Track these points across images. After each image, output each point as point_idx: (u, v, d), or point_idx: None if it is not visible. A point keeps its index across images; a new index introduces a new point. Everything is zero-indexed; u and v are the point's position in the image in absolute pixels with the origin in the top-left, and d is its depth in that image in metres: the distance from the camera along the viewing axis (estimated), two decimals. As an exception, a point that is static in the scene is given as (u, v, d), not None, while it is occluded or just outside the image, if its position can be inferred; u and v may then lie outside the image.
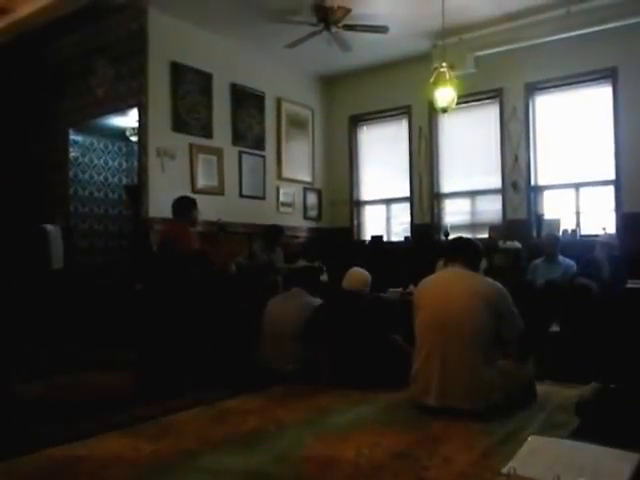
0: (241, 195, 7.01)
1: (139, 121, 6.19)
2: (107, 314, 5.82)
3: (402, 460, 2.56)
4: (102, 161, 7.95)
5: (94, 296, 6.20)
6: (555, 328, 4.44)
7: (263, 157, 7.38)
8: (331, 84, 8.38)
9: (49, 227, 6.31)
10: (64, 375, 4.49)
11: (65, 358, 5.02)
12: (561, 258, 5.61)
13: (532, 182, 6.79)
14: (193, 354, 4.33)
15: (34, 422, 3.23)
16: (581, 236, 6.29)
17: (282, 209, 7.61)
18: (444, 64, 5.96)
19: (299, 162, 7.95)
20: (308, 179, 8.11)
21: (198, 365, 4.26)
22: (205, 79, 6.60)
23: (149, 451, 2.72)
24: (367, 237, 8.01)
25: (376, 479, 2.40)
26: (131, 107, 6.37)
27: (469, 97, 6.86)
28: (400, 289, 5.42)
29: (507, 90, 6.90)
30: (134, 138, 7.15)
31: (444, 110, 6.08)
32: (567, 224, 6.39)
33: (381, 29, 6.06)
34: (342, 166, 8.33)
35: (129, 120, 7.04)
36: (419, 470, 2.44)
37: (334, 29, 6.00)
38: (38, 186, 7.08)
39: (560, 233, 6.20)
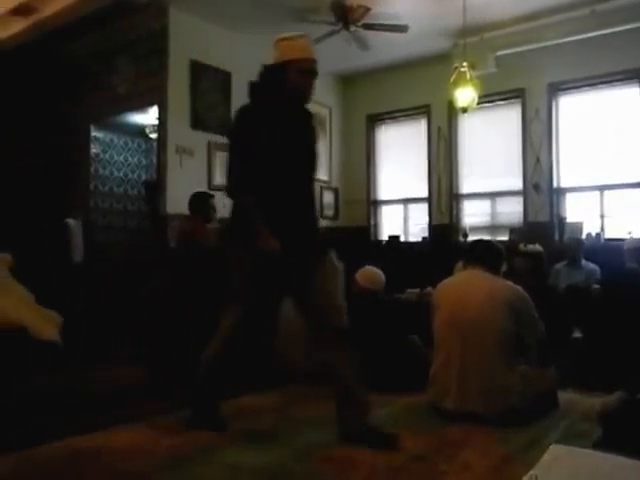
0: (259, 193, 6.99)
1: (159, 119, 6.22)
2: (124, 309, 5.84)
3: (419, 464, 2.53)
4: (122, 157, 8.01)
5: (112, 291, 6.23)
6: (577, 334, 4.37)
7: (281, 155, 7.35)
8: (349, 83, 8.34)
9: (70, 222, 6.38)
10: (81, 368, 4.53)
11: (82, 351, 5.05)
12: (584, 262, 5.51)
13: (554, 184, 6.70)
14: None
15: (52, 413, 3.26)
16: (605, 240, 6.17)
17: (299, 207, 7.58)
18: (464, 64, 5.91)
19: (316, 161, 7.92)
20: (325, 178, 8.07)
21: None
22: (224, 77, 6.60)
23: (167, 444, 2.75)
24: (384, 237, 7.97)
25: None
26: (151, 105, 6.42)
27: (490, 97, 6.79)
28: (417, 290, 5.38)
29: (529, 90, 6.82)
30: (153, 135, 7.18)
31: (464, 110, 6.04)
32: (591, 227, 6.28)
33: (401, 28, 6.03)
34: (360, 165, 8.29)
35: (149, 118, 7.09)
36: (437, 475, 2.41)
37: (353, 28, 5.98)
38: (61, 181, 7.14)
39: (583, 236, 6.11)
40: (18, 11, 6.01)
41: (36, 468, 2.46)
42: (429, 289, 4.80)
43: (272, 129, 2.84)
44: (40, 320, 4.01)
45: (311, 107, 8.16)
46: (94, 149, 7.29)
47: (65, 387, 3.95)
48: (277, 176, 2.85)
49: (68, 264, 6.23)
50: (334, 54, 7.02)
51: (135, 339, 5.09)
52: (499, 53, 6.68)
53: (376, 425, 2.81)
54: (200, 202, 5.05)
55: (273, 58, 3.00)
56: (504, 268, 3.62)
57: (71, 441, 2.78)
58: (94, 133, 7.24)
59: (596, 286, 4.89)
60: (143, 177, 8.24)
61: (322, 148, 8.02)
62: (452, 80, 5.96)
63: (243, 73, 6.78)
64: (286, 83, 2.90)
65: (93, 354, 5.01)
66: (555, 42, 6.30)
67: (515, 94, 6.95)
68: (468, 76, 5.87)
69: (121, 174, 7.98)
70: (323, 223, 7.89)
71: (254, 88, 3.03)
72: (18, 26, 6.27)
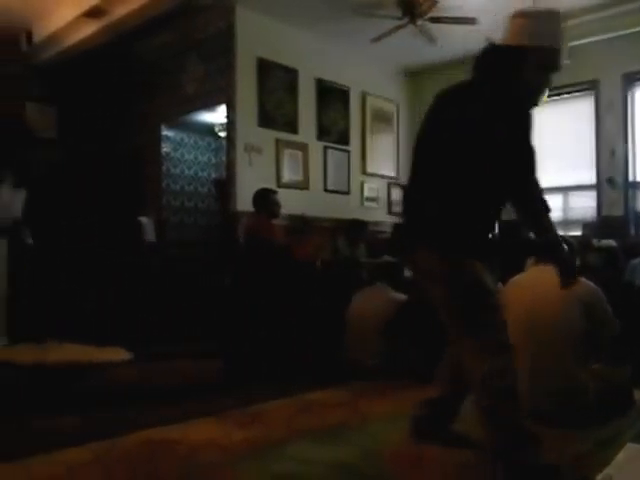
0: (326, 190, 7.06)
1: (227, 117, 6.35)
2: (196, 305, 6.00)
3: (489, 459, 2.51)
4: (192, 156, 8.21)
5: (184, 287, 6.41)
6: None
7: (348, 152, 7.40)
8: (416, 78, 8.27)
9: (144, 219, 6.60)
10: (154, 362, 4.68)
11: (155, 346, 5.21)
12: (663, 258, 5.33)
13: (630, 178, 6.48)
14: (279, 347, 4.40)
15: (130, 404, 3.39)
16: (685, 235, 5.95)
17: (367, 204, 7.60)
18: (535, 55, 5.77)
19: (383, 157, 7.92)
20: (392, 174, 8.06)
21: (284, 357, 4.32)
22: (291, 75, 6.69)
23: (240, 438, 2.81)
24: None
25: (463, 478, 2.38)
26: (220, 104, 6.55)
27: (562, 89, 6.61)
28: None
29: (603, 82, 6.61)
30: (222, 134, 7.33)
31: (535, 103, 5.90)
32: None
33: (468, 20, 5.94)
34: (427, 161, 8.19)
35: (218, 116, 7.23)
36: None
37: (420, 22, 5.93)
38: (136, 180, 7.39)
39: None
40: (90, 14, 6.26)
41: (116, 458, 2.57)
42: (499, 286, 4.73)
43: (485, 123, 2.21)
44: (105, 353, 4.24)
45: (378, 103, 8.09)
46: (165, 148, 7.49)
47: (140, 381, 4.09)
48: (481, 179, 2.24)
49: (142, 261, 6.44)
50: (401, 49, 7.00)
51: (210, 334, 5.21)
52: (571, 44, 6.48)
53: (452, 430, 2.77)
54: (262, 199, 5.13)
55: (507, 36, 2.33)
56: (577, 264, 3.54)
57: (148, 433, 2.88)
58: (165, 132, 7.42)
59: None
60: (213, 175, 8.43)
61: (389, 144, 8.01)
62: (522, 72, 5.83)
63: (310, 70, 6.89)
64: (518, 75, 2.27)
65: (168, 348, 5.17)
66: (629, 31, 6.09)
67: (588, 85, 6.74)
68: (539, 68, 5.73)
69: (192, 172, 8.18)
70: (391, 220, 7.88)
71: (477, 68, 2.39)
72: (90, 28, 6.54)
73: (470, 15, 5.89)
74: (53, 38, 6.90)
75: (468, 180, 2.21)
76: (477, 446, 2.63)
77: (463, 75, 7.68)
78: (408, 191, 2.43)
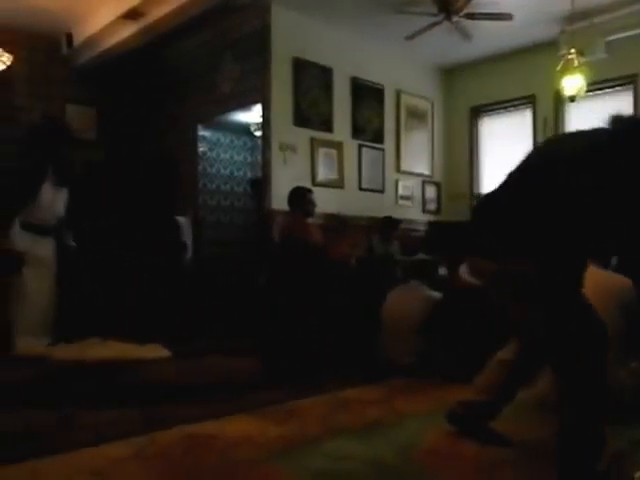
0: (360, 188, 7.07)
1: (263, 116, 6.40)
2: (232, 303, 6.07)
3: (525, 457, 2.51)
4: (228, 155, 8.31)
5: (220, 286, 6.49)
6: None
7: (382, 150, 7.39)
8: (451, 75, 8.22)
9: (181, 219, 6.70)
10: (191, 358, 4.75)
11: (192, 343, 5.29)
12: None
13: (670, 173, 6.34)
14: (315, 345, 4.43)
15: (168, 400, 3.46)
16: None
17: (401, 202, 7.59)
18: (572, 50, 5.70)
19: (418, 155, 7.90)
20: (427, 172, 8.03)
21: (320, 355, 4.35)
22: (326, 74, 6.71)
23: (276, 434, 2.85)
24: (487, 231, 7.81)
25: (498, 476, 2.37)
26: (255, 103, 6.60)
27: (599, 85, 6.50)
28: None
29: (643, 76, 6.48)
30: (258, 133, 7.39)
31: (572, 99, 5.83)
32: None
33: (505, 16, 5.88)
34: (462, 159, 8.16)
35: (253, 116, 7.30)
36: (545, 468, 2.38)
37: (455, 18, 5.89)
38: (173, 180, 7.48)
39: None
40: (127, 16, 6.37)
41: (155, 452, 2.62)
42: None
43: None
44: (145, 351, 4.34)
45: (412, 100, 8.01)
46: (201, 147, 7.58)
47: (178, 378, 4.17)
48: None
49: (179, 261, 6.54)
50: (436, 46, 6.98)
51: (247, 331, 5.26)
52: (609, 38, 6.38)
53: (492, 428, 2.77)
54: (298, 197, 5.14)
55: None
56: (613, 262, 3.50)
57: (186, 429, 2.92)
58: (201, 132, 7.51)
59: None
60: (249, 174, 8.50)
61: (424, 142, 7.99)
62: (559, 68, 5.77)
63: (344, 68, 6.91)
64: None
65: (205, 346, 5.24)
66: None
67: (627, 80, 6.60)
68: (576, 63, 5.66)
69: (228, 172, 8.27)
70: (425, 218, 7.87)
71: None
72: (128, 30, 6.64)
73: (506, 11, 5.84)
74: (92, 40, 7.03)
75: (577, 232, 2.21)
76: (514, 445, 2.65)
77: (498, 70, 7.63)
78: (499, 203, 2.44)
